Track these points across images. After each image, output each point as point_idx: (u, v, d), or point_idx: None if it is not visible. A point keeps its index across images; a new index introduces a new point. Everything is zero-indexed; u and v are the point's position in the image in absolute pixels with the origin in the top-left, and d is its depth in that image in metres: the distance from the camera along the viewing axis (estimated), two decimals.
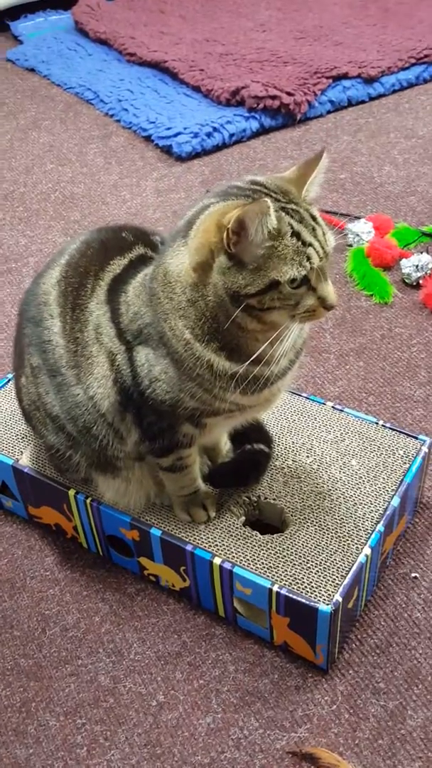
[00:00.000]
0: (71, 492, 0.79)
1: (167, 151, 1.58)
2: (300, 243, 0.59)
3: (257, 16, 2.06)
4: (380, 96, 1.74)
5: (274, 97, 1.60)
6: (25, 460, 0.84)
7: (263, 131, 1.62)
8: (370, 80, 1.73)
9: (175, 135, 1.56)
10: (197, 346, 0.63)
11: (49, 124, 1.73)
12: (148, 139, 1.62)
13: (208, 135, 1.56)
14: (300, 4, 2.12)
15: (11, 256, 1.33)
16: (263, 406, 0.71)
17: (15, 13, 2.17)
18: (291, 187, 0.64)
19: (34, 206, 1.46)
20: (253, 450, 0.79)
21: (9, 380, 0.93)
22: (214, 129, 1.56)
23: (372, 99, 1.73)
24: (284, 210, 0.60)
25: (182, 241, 0.64)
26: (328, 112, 1.69)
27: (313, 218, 0.62)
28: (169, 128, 1.58)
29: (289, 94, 1.61)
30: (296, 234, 0.60)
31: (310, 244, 0.60)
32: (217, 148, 1.58)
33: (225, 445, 0.82)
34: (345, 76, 1.72)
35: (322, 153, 0.65)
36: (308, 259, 0.60)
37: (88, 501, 0.78)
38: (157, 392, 0.67)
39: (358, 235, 1.26)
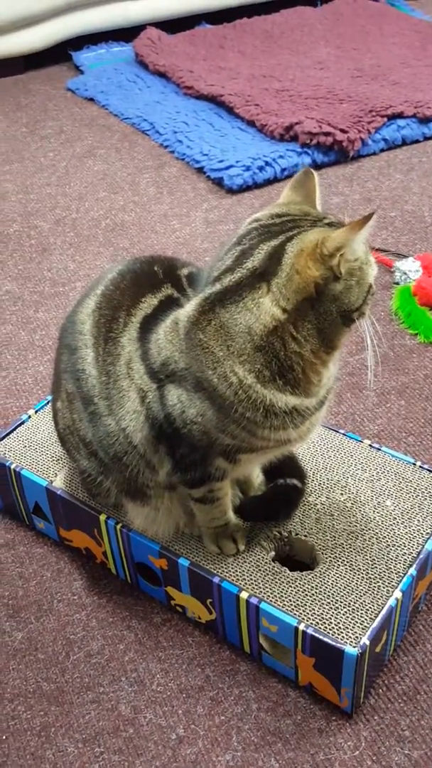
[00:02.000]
0: (102, 517, 0.80)
1: (218, 183, 1.60)
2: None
3: (315, 54, 2.09)
4: None
5: (327, 134, 1.62)
6: (58, 483, 0.85)
7: (315, 167, 1.64)
8: (425, 120, 1.74)
9: (227, 168, 1.59)
10: (258, 388, 0.64)
11: (104, 153, 1.78)
12: (200, 170, 1.66)
13: (260, 169, 1.58)
14: (359, 43, 2.15)
15: (59, 280, 1.36)
16: (302, 438, 0.71)
17: (77, 43, 2.25)
18: (309, 209, 0.69)
19: (84, 232, 1.49)
20: (285, 485, 0.79)
21: (48, 402, 0.95)
22: (266, 163, 1.59)
23: (426, 139, 1.74)
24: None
25: (250, 295, 0.64)
26: (382, 150, 1.70)
27: None
28: (221, 161, 1.61)
29: (342, 131, 1.63)
30: None
31: None
32: (269, 182, 1.60)
33: (257, 478, 0.82)
34: (400, 116, 1.73)
35: (309, 170, 0.71)
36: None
37: (118, 527, 0.79)
38: (193, 433, 0.67)
39: (405, 273, 1.26)
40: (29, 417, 0.93)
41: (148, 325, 0.70)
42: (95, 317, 0.74)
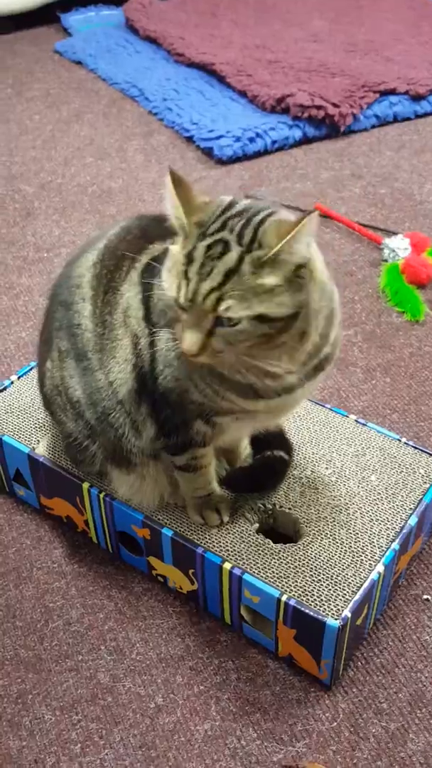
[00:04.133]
0: (85, 485, 0.79)
1: (208, 153, 1.58)
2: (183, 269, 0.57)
3: (309, 26, 2.06)
4: (426, 114, 1.74)
5: (319, 107, 1.60)
6: (41, 450, 0.84)
7: (306, 140, 1.63)
8: (417, 97, 1.73)
9: (218, 138, 1.56)
10: None
11: (91, 118, 1.75)
12: (189, 139, 1.63)
13: (251, 140, 1.56)
14: (353, 17, 2.12)
15: (44, 246, 1.34)
16: (274, 414, 0.70)
17: (66, 5, 2.20)
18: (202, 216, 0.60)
19: (70, 198, 1.47)
20: (272, 456, 0.79)
21: (31, 368, 0.93)
22: (257, 134, 1.57)
23: (418, 116, 1.73)
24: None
25: None
26: (373, 126, 1.69)
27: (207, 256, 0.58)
28: (211, 130, 1.59)
29: (334, 105, 1.62)
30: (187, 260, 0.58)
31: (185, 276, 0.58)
32: (259, 154, 1.58)
33: (245, 450, 0.82)
34: (392, 92, 1.72)
35: (171, 172, 0.60)
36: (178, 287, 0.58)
37: (101, 495, 0.78)
38: (167, 379, 0.67)
39: (394, 250, 1.25)
40: (12, 383, 0.92)
41: (152, 269, 0.68)
42: (96, 269, 0.73)
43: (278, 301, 0.57)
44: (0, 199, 1.46)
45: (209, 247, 0.58)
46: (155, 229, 0.72)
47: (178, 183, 0.59)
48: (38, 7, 2.14)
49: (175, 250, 0.59)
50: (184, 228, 0.60)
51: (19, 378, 0.93)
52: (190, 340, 0.58)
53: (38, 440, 0.85)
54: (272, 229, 0.57)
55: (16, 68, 1.98)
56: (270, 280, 0.57)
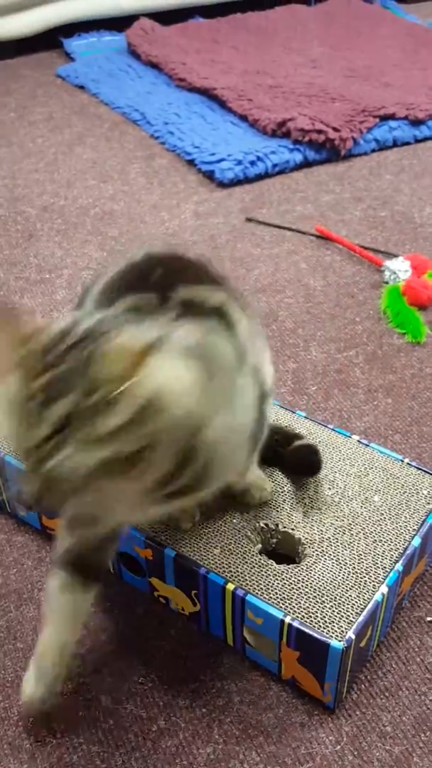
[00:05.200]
0: None
1: (209, 176, 1.60)
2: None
3: (309, 52, 2.10)
4: (426, 138, 1.76)
5: (320, 131, 1.62)
6: None
7: (306, 164, 1.64)
8: (416, 122, 1.75)
9: (219, 161, 1.58)
10: None
11: (93, 141, 1.77)
12: (191, 163, 1.65)
13: (252, 163, 1.58)
14: (352, 44, 2.16)
15: (46, 267, 1.35)
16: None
17: (69, 30, 2.23)
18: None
19: (72, 220, 1.48)
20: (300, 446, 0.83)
21: None
22: (258, 158, 1.59)
23: (417, 141, 1.75)
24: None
25: None
26: (373, 150, 1.71)
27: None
28: (213, 154, 1.60)
29: (335, 129, 1.64)
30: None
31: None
32: (260, 177, 1.60)
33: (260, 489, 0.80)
34: (392, 117, 1.74)
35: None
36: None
37: None
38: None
39: (394, 272, 1.26)
40: None
41: None
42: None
43: (123, 440, 0.50)
44: (2, 221, 1.48)
45: (44, 387, 0.51)
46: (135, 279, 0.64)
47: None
48: (41, 32, 2.17)
49: (5, 388, 0.52)
50: (14, 364, 0.52)
51: None
52: (28, 488, 0.53)
53: None
54: (112, 361, 0.50)
55: (19, 92, 2.01)
56: (113, 420, 0.50)
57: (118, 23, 2.24)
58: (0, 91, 2.01)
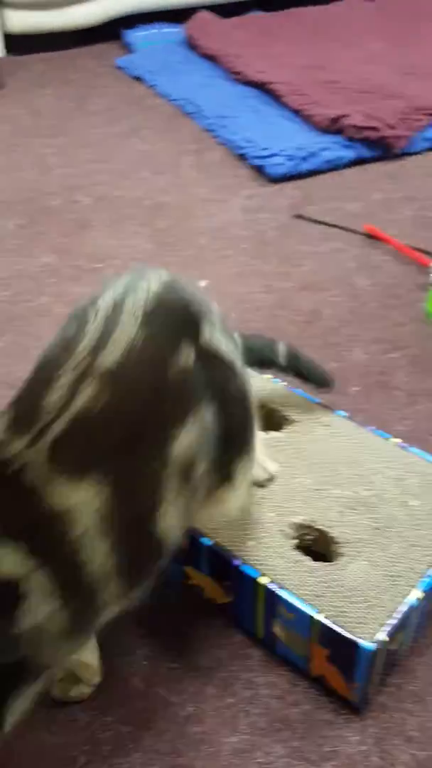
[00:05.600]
0: None
1: (260, 171, 1.60)
2: None
3: (366, 47, 2.07)
4: None
5: (374, 129, 1.61)
6: None
7: (359, 161, 1.63)
8: None
9: (270, 156, 1.58)
10: None
11: (148, 133, 1.78)
12: (242, 157, 1.65)
13: (304, 159, 1.57)
14: (410, 40, 2.13)
15: (97, 256, 1.37)
16: None
17: (129, 22, 2.24)
18: None
19: (124, 210, 1.49)
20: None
21: None
22: (310, 154, 1.58)
23: None
24: None
25: None
26: (427, 149, 1.69)
27: None
28: (264, 148, 1.60)
29: (390, 127, 1.62)
30: None
31: None
32: (310, 174, 1.59)
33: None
34: None
35: None
36: None
37: None
38: None
39: None
40: None
41: None
42: None
43: None
44: (57, 210, 1.50)
45: None
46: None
47: None
48: (101, 23, 2.18)
49: None
50: None
51: None
52: None
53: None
54: None
55: (78, 82, 2.03)
56: None
57: (178, 15, 2.24)
58: (59, 81, 2.04)
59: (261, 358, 0.85)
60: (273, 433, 0.88)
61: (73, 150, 1.70)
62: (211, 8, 2.25)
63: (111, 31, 2.24)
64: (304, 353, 0.90)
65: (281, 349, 0.87)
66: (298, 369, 0.88)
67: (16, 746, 0.70)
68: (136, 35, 2.21)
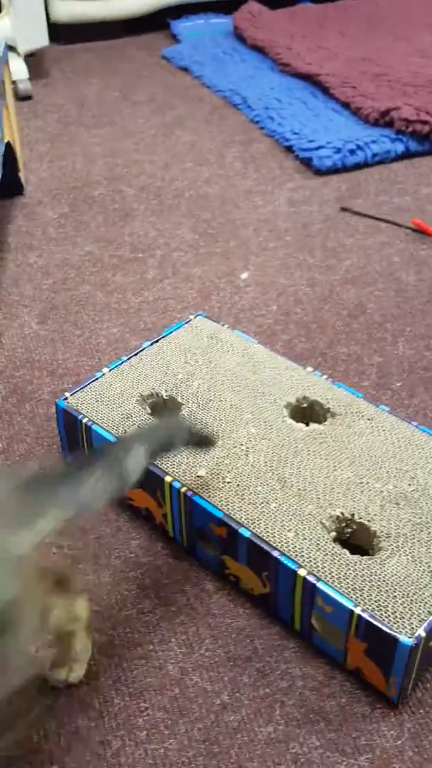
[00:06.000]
0: (168, 478, 0.82)
1: (307, 163, 1.59)
2: None
3: (418, 41, 2.05)
4: None
5: (424, 122, 1.59)
6: None
7: (408, 155, 1.62)
8: None
9: (317, 148, 1.58)
10: None
11: (193, 124, 1.78)
12: (289, 149, 1.65)
13: (351, 152, 1.57)
14: None
15: (139, 246, 1.38)
16: None
17: (176, 12, 2.25)
18: None
19: (167, 201, 1.51)
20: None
21: (122, 362, 0.96)
22: (358, 147, 1.57)
23: None
24: None
25: None
26: None
27: None
28: (312, 140, 1.60)
29: None
30: None
31: None
32: (358, 167, 1.59)
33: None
34: None
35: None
36: None
37: (182, 490, 0.80)
38: None
39: None
40: (103, 374, 0.95)
41: None
42: None
43: None
44: (101, 199, 1.51)
45: None
46: None
47: None
48: (149, 13, 2.20)
49: None
50: None
51: (110, 370, 0.96)
52: None
53: (125, 430, 0.88)
54: None
55: (125, 72, 2.04)
56: None
57: (226, 6, 2.25)
58: (106, 70, 2.06)
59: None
60: (315, 426, 0.88)
61: (117, 140, 1.72)
62: None
63: (158, 21, 2.26)
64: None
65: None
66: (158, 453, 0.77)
67: (50, 730, 0.71)
68: (183, 26, 2.22)
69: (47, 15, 2.13)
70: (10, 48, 1.90)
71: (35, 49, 1.98)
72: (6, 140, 1.31)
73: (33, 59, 2.11)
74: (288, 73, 1.91)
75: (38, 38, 1.93)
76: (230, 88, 1.88)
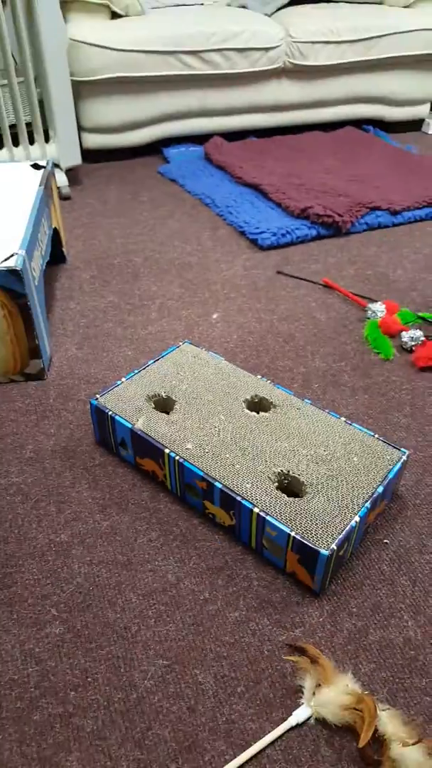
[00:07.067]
0: (166, 450, 0.81)
1: (254, 242, 1.60)
2: None
3: (324, 163, 2.08)
4: (401, 224, 1.73)
5: (329, 216, 1.61)
6: (139, 425, 0.86)
7: (319, 237, 1.64)
8: (394, 213, 1.72)
9: (261, 233, 1.58)
10: None
11: (179, 216, 1.78)
12: (242, 233, 1.65)
13: (283, 235, 1.58)
14: (354, 158, 2.13)
15: (145, 296, 1.37)
16: None
17: (167, 142, 2.25)
18: None
19: (163, 267, 1.50)
20: None
21: (134, 374, 0.96)
22: (287, 232, 1.58)
23: (395, 225, 1.73)
24: None
25: None
26: (364, 230, 1.69)
27: None
28: (257, 228, 1.61)
29: (339, 215, 1.62)
30: None
31: None
32: (287, 245, 1.60)
33: None
34: (378, 208, 1.72)
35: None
36: None
37: (176, 458, 0.80)
38: None
39: (374, 312, 1.25)
40: (122, 382, 0.95)
41: None
42: None
43: None
44: (119, 266, 1.50)
45: None
46: None
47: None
48: (149, 143, 2.19)
49: None
50: None
51: (126, 380, 0.95)
52: None
53: (137, 419, 0.87)
54: None
55: (133, 182, 2.03)
56: None
57: (200, 139, 2.25)
58: (120, 180, 2.04)
59: None
60: (263, 414, 0.88)
61: (129, 226, 1.71)
62: (222, 135, 2.26)
63: (155, 148, 2.25)
64: None
65: None
66: None
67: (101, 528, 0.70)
68: (172, 152, 2.22)
69: (80, 143, 2.11)
70: (56, 165, 1.88)
71: (72, 165, 1.96)
72: (54, 226, 1.30)
73: (71, 173, 2.09)
74: (240, 183, 1.91)
75: (74, 159, 1.91)
76: (203, 193, 1.88)
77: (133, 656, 0.67)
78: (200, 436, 0.84)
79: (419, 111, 2.49)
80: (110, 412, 0.88)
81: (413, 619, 0.70)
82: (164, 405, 0.92)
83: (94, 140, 2.13)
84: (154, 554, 0.78)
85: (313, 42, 2.11)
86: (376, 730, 0.58)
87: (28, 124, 2.00)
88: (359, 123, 2.51)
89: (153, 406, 0.91)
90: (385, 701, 0.62)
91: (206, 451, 0.81)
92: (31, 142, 1.92)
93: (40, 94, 1.81)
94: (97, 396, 0.92)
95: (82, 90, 1.99)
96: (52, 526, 0.81)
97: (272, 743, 0.59)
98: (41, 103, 1.97)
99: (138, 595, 0.73)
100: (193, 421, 0.85)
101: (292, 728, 0.61)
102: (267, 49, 2.07)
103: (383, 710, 0.59)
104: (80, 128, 2.09)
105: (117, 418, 0.87)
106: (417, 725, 0.59)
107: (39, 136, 1.79)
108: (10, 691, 0.64)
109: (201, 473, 0.78)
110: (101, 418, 0.91)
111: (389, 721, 0.57)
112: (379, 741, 0.58)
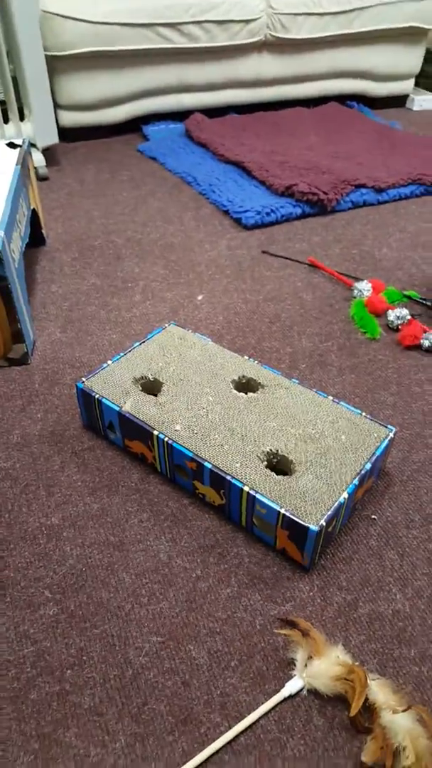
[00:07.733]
0: (155, 432, 0.82)
1: (238, 221, 1.60)
2: None
3: (307, 140, 2.07)
4: (385, 202, 1.75)
5: (314, 194, 1.62)
6: (126, 407, 0.87)
7: (304, 216, 1.64)
8: (379, 190, 1.73)
9: (245, 211, 1.58)
10: None
11: (161, 195, 1.77)
12: (226, 212, 1.65)
13: (267, 214, 1.58)
14: (337, 135, 2.13)
15: (128, 278, 1.37)
16: None
17: (146, 119, 2.22)
18: None
19: (146, 248, 1.49)
20: None
21: (120, 357, 0.96)
22: (272, 210, 1.59)
23: (380, 203, 1.74)
24: None
25: None
26: (349, 208, 1.70)
27: None
28: (241, 206, 1.61)
29: (324, 193, 1.63)
30: None
31: None
32: (272, 224, 1.60)
33: None
34: (363, 186, 1.72)
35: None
36: None
37: (165, 439, 0.81)
38: None
39: (360, 291, 1.27)
40: (108, 365, 0.95)
41: None
42: None
43: None
44: (100, 248, 1.49)
45: None
46: None
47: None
48: (127, 120, 2.16)
49: None
50: None
51: (112, 362, 0.96)
52: None
53: (125, 401, 0.88)
54: None
55: (112, 160, 2.01)
56: None
57: (180, 116, 2.22)
58: (98, 160, 2.02)
59: None
60: (251, 394, 0.89)
61: (109, 207, 1.70)
62: (202, 111, 2.24)
63: (134, 125, 2.22)
64: None
65: None
66: None
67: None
68: (152, 129, 2.19)
69: (57, 121, 2.08)
70: (32, 144, 1.85)
71: (49, 145, 1.93)
72: (33, 207, 1.28)
73: (48, 152, 2.06)
74: (222, 161, 1.90)
75: (51, 137, 1.88)
76: (185, 171, 1.87)
77: (128, 634, 0.69)
78: (189, 417, 0.85)
79: (404, 86, 2.49)
80: (97, 395, 0.88)
81: (401, 591, 0.72)
82: (152, 387, 0.92)
83: (70, 118, 2.09)
84: (145, 534, 0.79)
85: (295, 14, 2.09)
86: (366, 699, 0.61)
87: (2, 102, 1.96)
88: (343, 99, 2.50)
89: (140, 388, 0.91)
90: (375, 671, 0.65)
91: (195, 432, 0.82)
92: (6, 120, 1.88)
93: (13, 70, 1.77)
94: (83, 379, 0.92)
95: (57, 65, 1.94)
96: (42, 509, 0.82)
97: (266, 714, 0.62)
98: (14, 79, 1.92)
99: (131, 574, 0.75)
100: (181, 402, 0.86)
101: (285, 699, 0.63)
102: (247, 21, 2.05)
103: (373, 680, 0.62)
104: (56, 105, 2.05)
105: (104, 401, 0.88)
106: (406, 693, 0.62)
107: (13, 114, 1.76)
108: (6, 671, 0.65)
109: (190, 454, 0.79)
110: (88, 402, 0.91)
111: (379, 690, 0.60)
112: (369, 709, 0.61)
